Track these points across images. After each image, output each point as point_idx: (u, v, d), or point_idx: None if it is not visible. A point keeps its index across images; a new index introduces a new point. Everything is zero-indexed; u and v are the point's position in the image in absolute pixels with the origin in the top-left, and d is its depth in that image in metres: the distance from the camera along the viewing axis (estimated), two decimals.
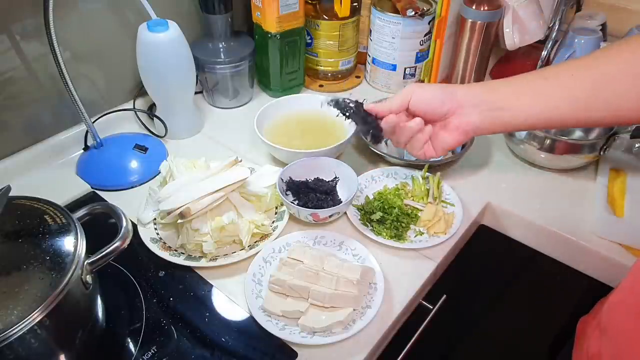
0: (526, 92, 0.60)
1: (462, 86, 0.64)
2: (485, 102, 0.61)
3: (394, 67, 1.05)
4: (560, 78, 0.59)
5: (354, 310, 0.62)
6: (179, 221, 0.68)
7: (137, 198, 0.79)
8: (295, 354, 0.60)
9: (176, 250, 0.70)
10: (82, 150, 0.88)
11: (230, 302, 0.66)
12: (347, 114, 0.65)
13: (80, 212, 0.59)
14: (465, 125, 0.62)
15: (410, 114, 0.65)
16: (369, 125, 0.64)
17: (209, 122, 0.99)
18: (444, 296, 0.76)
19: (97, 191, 0.82)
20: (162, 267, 0.69)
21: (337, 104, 0.65)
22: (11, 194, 0.55)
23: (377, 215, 0.75)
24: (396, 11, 0.98)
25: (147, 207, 0.75)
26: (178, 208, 0.66)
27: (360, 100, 0.66)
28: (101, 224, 0.60)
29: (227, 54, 0.96)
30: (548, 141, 0.83)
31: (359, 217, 0.77)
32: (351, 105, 0.65)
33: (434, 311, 0.73)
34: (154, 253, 0.69)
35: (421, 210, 0.78)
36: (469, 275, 0.85)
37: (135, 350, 0.60)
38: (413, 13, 0.96)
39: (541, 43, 0.99)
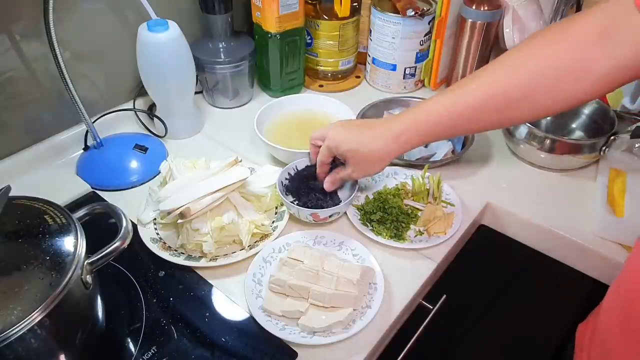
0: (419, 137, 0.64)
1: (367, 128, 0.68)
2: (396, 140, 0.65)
3: (394, 67, 1.05)
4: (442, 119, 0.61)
5: (354, 310, 0.62)
6: (179, 221, 0.68)
7: (137, 198, 0.79)
8: (295, 354, 0.60)
9: (176, 250, 0.70)
10: (82, 150, 0.88)
11: (230, 302, 0.66)
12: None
13: (80, 212, 0.59)
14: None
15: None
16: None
17: (209, 122, 0.99)
18: (444, 296, 0.76)
19: (97, 191, 0.82)
20: (162, 267, 0.69)
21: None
22: (11, 194, 0.55)
23: (377, 215, 0.75)
24: (396, 11, 0.98)
25: (147, 207, 0.75)
26: (178, 208, 0.66)
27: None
28: (101, 224, 0.60)
29: (227, 54, 0.96)
30: (548, 141, 0.83)
31: (359, 217, 0.77)
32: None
33: (434, 311, 0.73)
34: (154, 253, 0.69)
35: (421, 210, 0.78)
36: (469, 275, 0.85)
37: (135, 350, 0.60)
38: (413, 13, 0.96)
39: None
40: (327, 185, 0.74)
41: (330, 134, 0.69)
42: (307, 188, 0.78)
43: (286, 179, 0.79)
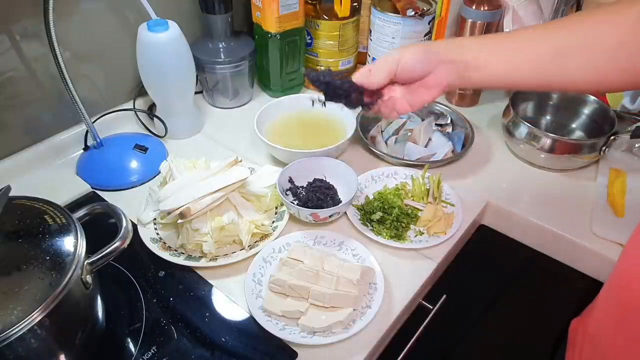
0: (494, 52, 0.61)
1: (440, 44, 0.65)
2: (459, 62, 0.61)
3: None
4: (525, 42, 0.59)
5: (354, 310, 0.62)
6: (179, 221, 0.68)
7: (137, 198, 0.79)
8: (295, 354, 0.60)
9: (176, 250, 0.70)
10: (82, 150, 0.88)
11: (230, 302, 0.66)
12: (322, 88, 0.63)
13: (80, 212, 0.59)
14: (442, 82, 0.62)
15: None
16: (346, 97, 0.63)
17: (209, 122, 0.99)
18: (444, 296, 0.76)
19: (97, 191, 0.82)
20: (162, 267, 0.69)
21: (311, 78, 0.64)
22: (11, 194, 0.55)
23: (377, 215, 0.75)
24: (396, 11, 0.98)
25: (147, 207, 0.75)
26: (178, 208, 0.66)
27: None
28: (101, 224, 0.60)
29: (227, 54, 0.96)
30: (548, 141, 0.83)
31: (359, 217, 0.77)
32: (324, 78, 0.63)
33: (434, 311, 0.73)
34: (154, 253, 0.69)
35: (421, 210, 0.78)
36: (469, 275, 0.85)
37: (135, 350, 0.60)
38: (413, 13, 0.96)
39: None
40: (386, 109, 0.64)
41: (396, 54, 0.62)
42: (307, 188, 0.77)
43: (286, 179, 0.78)
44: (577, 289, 0.80)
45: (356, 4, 1.02)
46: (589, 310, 0.63)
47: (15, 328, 0.44)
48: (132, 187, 0.84)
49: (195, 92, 0.93)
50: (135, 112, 0.96)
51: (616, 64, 0.54)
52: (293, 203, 0.75)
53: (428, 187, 0.81)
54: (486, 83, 0.62)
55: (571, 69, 0.57)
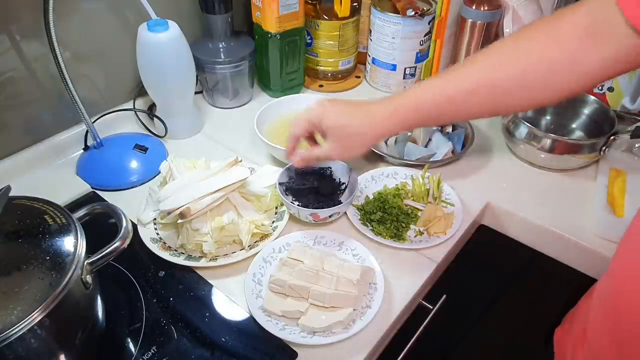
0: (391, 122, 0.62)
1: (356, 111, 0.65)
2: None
3: (394, 67, 1.05)
4: (422, 105, 0.60)
5: (354, 310, 0.62)
6: (179, 221, 0.68)
7: (137, 198, 0.79)
8: (295, 354, 0.60)
9: (176, 250, 0.70)
10: (82, 150, 0.88)
11: (230, 302, 0.66)
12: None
13: (80, 212, 0.59)
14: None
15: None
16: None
17: (209, 122, 0.99)
18: (444, 296, 0.76)
19: (97, 191, 0.82)
20: (162, 267, 0.69)
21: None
22: (11, 194, 0.55)
23: (377, 215, 0.75)
24: (396, 11, 0.98)
25: (147, 207, 0.75)
26: (178, 208, 0.66)
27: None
28: (101, 224, 0.60)
29: (227, 54, 0.96)
30: (548, 141, 0.83)
31: (359, 217, 0.77)
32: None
33: (434, 311, 0.73)
34: (154, 253, 0.69)
35: (421, 210, 0.78)
36: (469, 275, 0.85)
37: (135, 350, 0.60)
38: (413, 13, 0.96)
39: None
40: (299, 161, 0.68)
41: (315, 107, 0.65)
42: (307, 188, 0.78)
43: (286, 179, 0.78)
44: (576, 289, 0.80)
45: (356, 4, 1.02)
46: (571, 317, 0.63)
47: (15, 328, 0.44)
48: (132, 187, 0.83)
49: (195, 92, 0.93)
50: (135, 112, 0.96)
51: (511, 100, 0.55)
52: (293, 203, 0.75)
53: (428, 187, 0.81)
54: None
55: (469, 110, 0.58)
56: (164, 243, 0.72)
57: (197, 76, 0.93)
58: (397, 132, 0.64)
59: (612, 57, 0.49)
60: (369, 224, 0.76)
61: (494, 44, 0.57)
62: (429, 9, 0.99)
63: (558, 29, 0.52)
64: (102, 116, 0.90)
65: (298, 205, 0.75)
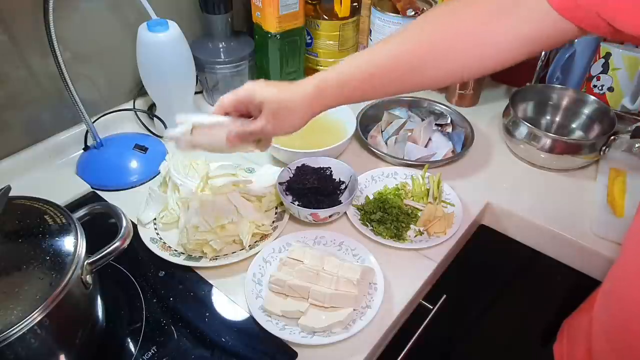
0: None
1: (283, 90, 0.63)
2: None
3: None
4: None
5: (354, 310, 0.62)
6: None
7: (137, 198, 0.79)
8: (295, 354, 0.60)
9: (176, 250, 0.70)
10: (82, 150, 0.88)
11: (230, 302, 0.66)
12: None
13: (80, 212, 0.59)
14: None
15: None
16: None
17: None
18: (444, 296, 0.76)
19: (97, 191, 0.82)
20: (162, 267, 0.69)
21: None
22: (11, 194, 0.55)
23: (377, 215, 0.75)
24: (396, 11, 0.98)
25: (147, 207, 0.75)
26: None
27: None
28: (101, 224, 0.60)
29: (227, 54, 0.96)
30: (548, 141, 0.83)
31: (359, 217, 0.77)
32: None
33: (434, 311, 0.73)
34: (154, 253, 0.69)
35: (421, 210, 0.78)
36: (469, 275, 0.85)
37: (135, 350, 0.60)
38: (413, 13, 0.96)
39: None
40: (233, 138, 0.62)
41: (247, 84, 0.62)
42: (307, 188, 0.78)
43: (286, 179, 0.78)
44: (576, 289, 0.80)
45: (356, 4, 1.02)
46: (572, 332, 0.64)
47: (15, 328, 0.44)
48: (132, 187, 0.83)
49: (195, 92, 0.93)
50: (135, 112, 0.96)
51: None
52: (293, 203, 0.75)
53: (428, 187, 0.81)
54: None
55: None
56: (164, 243, 0.72)
57: (197, 76, 0.93)
58: (331, 106, 0.62)
59: (526, 37, 0.51)
60: (369, 224, 0.76)
61: (413, 21, 0.58)
62: (429, 9, 0.99)
63: (471, 6, 0.54)
64: (102, 116, 0.90)
65: (298, 205, 0.75)
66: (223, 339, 0.61)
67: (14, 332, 0.44)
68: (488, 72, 0.56)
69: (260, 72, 1.05)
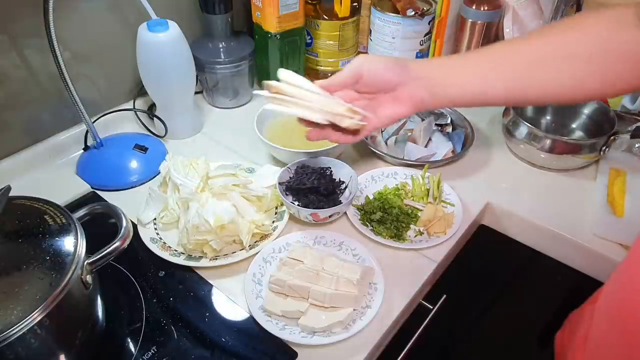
0: (467, 70, 0.60)
1: (409, 60, 0.63)
2: (432, 78, 0.60)
3: None
4: (496, 58, 0.59)
5: (354, 310, 0.62)
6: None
7: (137, 198, 0.79)
8: (295, 354, 0.60)
9: (176, 250, 0.70)
10: (82, 150, 0.88)
11: (230, 302, 0.66)
12: None
13: (80, 212, 0.59)
14: (415, 96, 0.60)
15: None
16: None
17: (209, 122, 0.99)
18: (444, 296, 0.76)
19: (97, 191, 0.82)
20: (162, 267, 0.69)
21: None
22: (11, 194, 0.55)
23: (377, 215, 0.75)
24: (396, 11, 0.98)
25: (147, 207, 0.75)
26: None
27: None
28: (101, 224, 0.60)
29: (227, 54, 0.96)
30: (548, 141, 0.83)
31: (359, 217, 0.77)
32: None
33: (434, 311, 0.73)
34: (154, 253, 0.69)
35: (421, 210, 0.78)
36: (469, 275, 0.85)
37: (135, 350, 0.60)
38: (413, 13, 0.96)
39: None
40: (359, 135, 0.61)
41: (361, 58, 0.59)
42: (307, 188, 0.78)
43: (286, 179, 0.78)
44: (576, 289, 0.80)
45: (356, 4, 1.02)
46: (574, 319, 0.63)
47: (15, 328, 0.44)
48: (132, 187, 0.84)
49: (195, 92, 0.93)
50: (135, 112, 0.96)
51: (591, 73, 0.54)
52: (293, 203, 0.75)
53: (428, 187, 0.81)
54: (460, 100, 0.60)
55: (546, 81, 0.56)
56: (164, 243, 0.72)
57: (197, 76, 0.93)
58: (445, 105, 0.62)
59: None
60: (369, 224, 0.76)
61: (547, 27, 0.58)
62: (429, 9, 0.99)
63: (616, 15, 0.52)
64: (102, 116, 0.90)
65: (298, 205, 0.75)
66: (223, 339, 0.61)
67: (14, 332, 0.44)
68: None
69: (260, 72, 1.05)
